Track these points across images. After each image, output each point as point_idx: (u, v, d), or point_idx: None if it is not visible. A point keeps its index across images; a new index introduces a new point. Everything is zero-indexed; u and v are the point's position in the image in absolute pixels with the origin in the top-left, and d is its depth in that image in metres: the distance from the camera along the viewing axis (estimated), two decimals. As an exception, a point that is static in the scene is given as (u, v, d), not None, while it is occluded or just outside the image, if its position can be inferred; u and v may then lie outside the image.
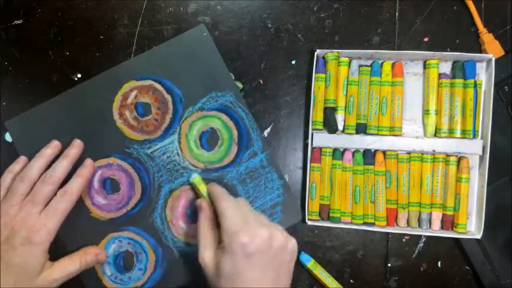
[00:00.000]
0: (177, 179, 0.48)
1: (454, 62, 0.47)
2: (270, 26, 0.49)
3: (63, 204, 0.42)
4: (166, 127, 0.48)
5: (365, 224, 0.47)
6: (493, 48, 0.47)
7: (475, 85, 0.46)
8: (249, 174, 0.48)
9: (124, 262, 0.47)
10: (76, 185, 0.44)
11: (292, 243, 0.40)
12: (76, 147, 0.46)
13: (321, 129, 0.47)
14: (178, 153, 0.48)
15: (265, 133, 0.49)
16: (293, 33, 0.49)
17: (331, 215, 0.47)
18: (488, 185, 0.45)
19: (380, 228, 0.46)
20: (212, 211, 0.42)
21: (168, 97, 0.48)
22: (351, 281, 0.48)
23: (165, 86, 0.48)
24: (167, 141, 0.48)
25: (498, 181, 0.47)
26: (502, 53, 0.47)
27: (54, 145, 0.46)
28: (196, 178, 0.47)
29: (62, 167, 0.44)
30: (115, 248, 0.47)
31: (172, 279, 0.47)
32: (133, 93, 0.48)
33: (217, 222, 0.41)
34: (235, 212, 0.39)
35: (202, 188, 0.45)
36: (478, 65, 0.47)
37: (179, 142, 0.48)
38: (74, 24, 0.49)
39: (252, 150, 0.48)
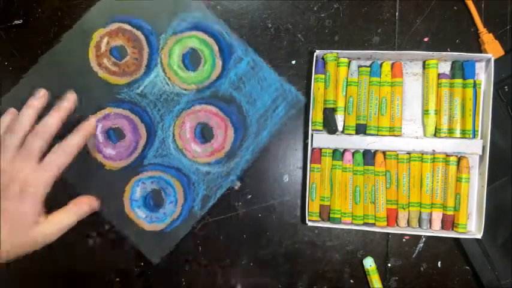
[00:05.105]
0: (174, 107, 0.48)
1: (454, 62, 0.47)
2: (270, 26, 0.49)
3: (61, 159, 0.40)
4: (147, 63, 0.49)
5: (365, 224, 0.47)
6: (493, 48, 0.47)
7: (474, 85, 0.46)
8: (241, 79, 0.48)
9: (154, 201, 0.48)
10: (76, 140, 0.41)
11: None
12: (68, 100, 0.43)
13: (321, 130, 0.47)
14: (167, 82, 0.48)
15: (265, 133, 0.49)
16: (293, 33, 0.49)
17: (331, 215, 0.47)
18: (488, 185, 0.45)
19: (380, 228, 0.46)
20: None
21: (139, 33, 0.48)
22: (351, 281, 0.48)
23: (132, 24, 0.48)
24: (153, 76, 0.48)
25: (498, 181, 0.47)
26: (502, 53, 0.47)
27: (41, 95, 0.43)
28: (371, 267, 0.47)
29: (54, 119, 0.41)
30: (141, 190, 0.48)
31: (204, 202, 0.48)
32: (105, 40, 0.48)
33: None
34: None
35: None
36: (477, 64, 0.47)
37: (164, 72, 0.48)
38: (74, 24, 0.49)
39: (236, 56, 0.48)
